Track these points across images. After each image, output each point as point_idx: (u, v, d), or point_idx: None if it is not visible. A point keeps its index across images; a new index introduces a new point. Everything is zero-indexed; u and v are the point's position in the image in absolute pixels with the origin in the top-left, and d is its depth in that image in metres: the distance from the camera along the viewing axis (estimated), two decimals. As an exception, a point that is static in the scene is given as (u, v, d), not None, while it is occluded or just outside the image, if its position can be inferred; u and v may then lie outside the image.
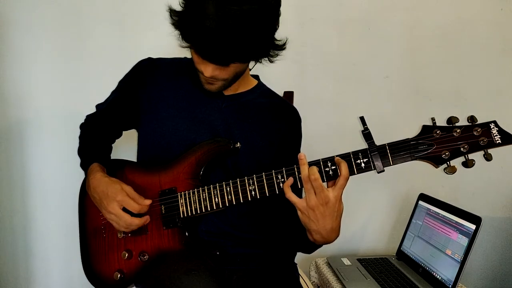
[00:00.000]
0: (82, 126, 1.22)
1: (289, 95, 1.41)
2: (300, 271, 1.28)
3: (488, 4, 1.75)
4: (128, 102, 1.11)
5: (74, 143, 1.20)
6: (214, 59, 0.87)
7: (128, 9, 1.56)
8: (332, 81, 1.71)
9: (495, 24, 1.76)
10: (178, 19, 0.88)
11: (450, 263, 1.29)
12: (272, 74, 1.21)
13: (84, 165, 1.12)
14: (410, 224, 1.59)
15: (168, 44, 1.50)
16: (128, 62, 1.11)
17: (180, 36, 0.89)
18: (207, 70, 0.91)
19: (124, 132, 1.23)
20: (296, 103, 1.31)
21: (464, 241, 1.27)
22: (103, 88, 1.16)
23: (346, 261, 1.55)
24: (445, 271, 1.30)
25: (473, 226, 1.25)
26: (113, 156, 1.20)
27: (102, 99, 1.18)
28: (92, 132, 1.19)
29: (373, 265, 1.51)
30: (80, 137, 1.20)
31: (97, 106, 1.20)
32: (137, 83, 1.09)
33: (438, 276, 1.32)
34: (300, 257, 1.13)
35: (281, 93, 1.37)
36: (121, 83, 1.14)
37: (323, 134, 1.68)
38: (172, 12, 0.89)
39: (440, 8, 1.73)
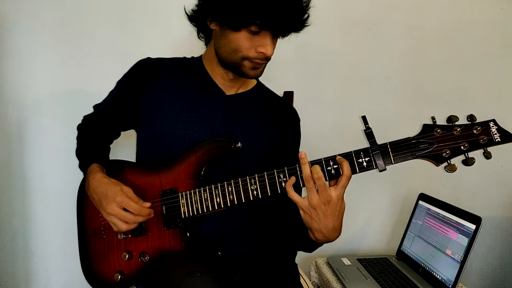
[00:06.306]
0: (79, 127, 1.21)
1: (289, 95, 1.41)
2: (300, 271, 1.28)
3: (488, 4, 1.75)
4: (127, 102, 1.10)
5: (74, 143, 1.19)
6: (293, 21, 0.93)
7: (129, 8, 1.55)
8: (332, 81, 1.71)
9: (496, 24, 1.76)
10: (234, 4, 0.88)
11: (450, 263, 1.29)
12: (272, 74, 1.20)
13: (83, 166, 1.11)
14: (410, 224, 1.59)
15: (168, 44, 1.51)
16: (129, 61, 1.11)
17: (238, 22, 0.90)
18: (269, 48, 0.94)
19: (121, 132, 1.22)
20: (296, 103, 1.31)
21: (464, 241, 1.27)
22: (104, 87, 1.15)
23: (346, 261, 1.55)
24: (445, 271, 1.30)
25: (473, 226, 1.25)
26: (111, 156, 1.20)
27: (103, 98, 1.17)
28: (91, 133, 1.18)
29: (373, 265, 1.51)
30: (78, 138, 1.19)
31: (95, 107, 1.19)
32: (136, 83, 1.08)
33: (438, 276, 1.32)
34: (300, 257, 1.13)
35: (281, 93, 1.37)
36: (120, 83, 1.14)
37: (324, 134, 1.68)
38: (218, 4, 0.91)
39: (441, 8, 1.73)
